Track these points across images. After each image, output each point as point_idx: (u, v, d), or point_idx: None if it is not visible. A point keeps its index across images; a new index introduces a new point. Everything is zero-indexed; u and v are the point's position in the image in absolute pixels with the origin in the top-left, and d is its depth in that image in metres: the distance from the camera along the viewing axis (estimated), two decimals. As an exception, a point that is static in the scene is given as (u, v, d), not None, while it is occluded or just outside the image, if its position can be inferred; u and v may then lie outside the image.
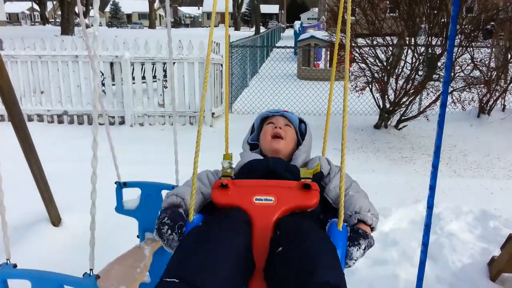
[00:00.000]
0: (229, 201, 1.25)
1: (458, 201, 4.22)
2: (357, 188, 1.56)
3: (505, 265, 2.74)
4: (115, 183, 2.56)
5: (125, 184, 2.56)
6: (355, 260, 1.27)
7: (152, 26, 46.92)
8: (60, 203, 3.57)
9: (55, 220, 3.51)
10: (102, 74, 7.48)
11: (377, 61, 6.84)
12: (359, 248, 1.25)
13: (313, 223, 1.26)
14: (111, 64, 7.24)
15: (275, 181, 1.33)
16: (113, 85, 7.40)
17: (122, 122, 7.34)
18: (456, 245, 3.38)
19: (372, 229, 1.35)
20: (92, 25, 1.60)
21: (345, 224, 1.29)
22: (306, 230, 1.15)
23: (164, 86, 7.65)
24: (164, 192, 2.54)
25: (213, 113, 7.36)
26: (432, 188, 1.59)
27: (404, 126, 7.21)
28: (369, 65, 6.84)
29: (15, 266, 1.67)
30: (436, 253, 3.29)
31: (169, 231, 1.27)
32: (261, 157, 1.55)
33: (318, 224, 1.30)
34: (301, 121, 1.79)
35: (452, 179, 5.02)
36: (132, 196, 2.66)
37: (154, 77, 7.52)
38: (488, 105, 7.74)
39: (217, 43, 7.75)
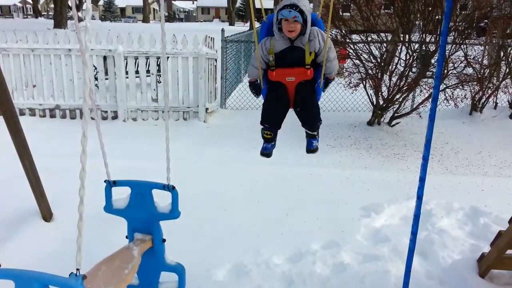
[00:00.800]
0: (276, 79, 2.61)
1: (449, 197, 4.26)
2: (331, 57, 2.59)
3: (494, 262, 2.77)
4: (105, 181, 2.53)
5: (115, 183, 2.53)
6: (324, 91, 2.74)
7: (146, 20, 46.60)
8: (51, 198, 3.55)
9: (47, 215, 3.50)
10: (95, 68, 7.43)
11: (371, 57, 6.85)
12: (328, 87, 2.74)
13: (311, 86, 2.61)
14: (104, 58, 7.18)
15: (294, 69, 2.58)
16: (106, 79, 7.35)
17: (115, 117, 7.30)
18: (446, 241, 3.41)
19: (334, 78, 2.73)
20: (85, 18, 1.57)
21: (324, 80, 2.62)
22: (308, 95, 2.59)
23: (158, 81, 7.61)
24: (154, 191, 2.53)
25: (207, 109, 7.34)
26: (422, 179, 1.61)
27: (397, 123, 7.24)
28: (363, 61, 6.85)
29: None
30: (426, 249, 3.32)
31: (256, 95, 2.77)
32: (286, 42, 2.57)
33: (313, 84, 2.62)
34: (303, 12, 2.55)
35: (443, 176, 5.06)
36: (122, 194, 2.65)
37: (148, 71, 7.47)
38: (480, 103, 7.79)
39: (211, 37, 7.71)
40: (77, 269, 1.53)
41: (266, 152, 2.74)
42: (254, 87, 2.76)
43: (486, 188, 4.65)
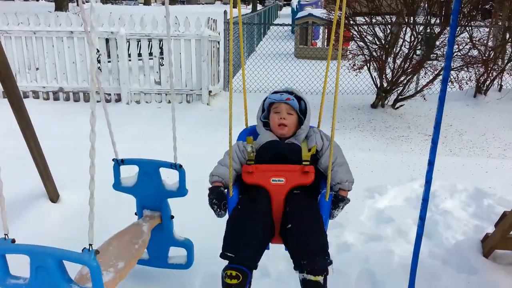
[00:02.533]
0: (255, 182, 1.83)
1: (453, 179, 4.27)
2: (340, 160, 1.98)
3: (498, 242, 2.79)
4: (113, 160, 2.55)
5: (123, 161, 2.55)
6: (336, 216, 1.89)
7: (147, 2, 46.12)
8: (57, 179, 3.57)
9: (53, 196, 3.52)
10: (98, 51, 7.39)
11: (375, 39, 6.78)
12: (339, 209, 1.86)
13: (308, 197, 1.84)
14: (107, 40, 7.15)
15: (285, 166, 1.86)
16: (109, 62, 7.32)
17: (118, 100, 7.30)
18: (450, 222, 3.43)
19: (349, 191, 1.93)
20: (87, 1, 1.56)
21: (331, 193, 1.83)
22: (304, 208, 1.76)
23: (161, 64, 7.58)
24: (161, 170, 2.55)
25: (210, 91, 7.32)
26: (431, 163, 1.60)
27: (401, 106, 7.22)
28: (368, 43, 6.79)
29: (13, 241, 1.66)
30: (430, 229, 3.34)
31: (218, 209, 1.87)
32: (274, 138, 2.02)
33: (313, 192, 1.89)
34: (300, 99, 2.12)
35: (447, 158, 5.06)
36: (129, 173, 2.67)
37: (150, 54, 7.43)
38: (485, 85, 7.74)
39: (214, 19, 7.64)
40: (90, 245, 1.57)
41: None
42: (217, 196, 1.87)
43: (490, 169, 4.65)
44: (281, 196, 1.79)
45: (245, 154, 1.97)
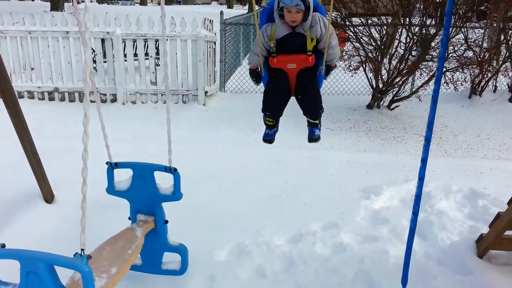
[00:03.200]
0: (277, 66, 2.57)
1: (448, 180, 4.29)
2: (333, 43, 2.54)
3: (492, 242, 2.80)
4: (106, 163, 2.54)
5: (117, 165, 2.54)
6: (326, 78, 2.71)
7: (143, 3, 46.00)
8: (52, 180, 3.56)
9: (48, 196, 3.51)
10: (93, 51, 7.37)
11: (371, 40, 6.80)
12: (329, 75, 2.69)
13: (312, 73, 2.58)
14: (102, 40, 7.13)
15: (295, 56, 2.54)
16: (105, 62, 7.30)
17: (114, 100, 7.28)
18: (445, 223, 3.44)
19: (335, 65, 2.68)
20: (83, 1, 1.55)
21: (325, 67, 2.58)
22: (309, 83, 2.55)
23: (157, 64, 7.56)
24: (156, 173, 2.53)
25: (206, 92, 7.31)
26: (424, 160, 1.62)
27: (397, 106, 7.24)
28: (363, 44, 6.81)
29: (3, 246, 1.64)
30: (425, 230, 3.36)
31: (256, 82, 2.73)
32: (288, 30, 2.53)
33: (315, 71, 2.59)
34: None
35: (442, 159, 5.08)
36: (124, 176, 2.66)
37: (146, 54, 7.42)
38: (480, 86, 7.78)
39: (210, 20, 7.64)
40: (82, 250, 1.55)
41: (268, 138, 2.76)
42: (255, 75, 2.72)
43: (485, 170, 4.68)
44: (294, 74, 2.58)
45: (268, 45, 2.58)
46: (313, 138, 2.73)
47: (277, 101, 2.62)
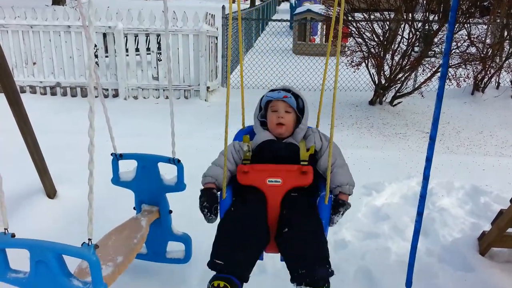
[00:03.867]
0: (250, 182, 1.72)
1: (450, 177, 4.28)
2: (340, 162, 1.91)
3: (494, 240, 2.80)
4: (111, 154, 2.56)
5: (121, 156, 2.56)
6: (336, 222, 1.78)
7: (145, -3, 45.82)
8: (55, 175, 3.56)
9: (50, 192, 3.51)
10: (95, 46, 7.35)
11: (374, 36, 6.77)
12: (339, 214, 1.76)
13: (307, 200, 1.75)
14: (104, 35, 7.11)
15: (282, 166, 1.75)
16: (106, 57, 7.29)
17: (115, 95, 7.27)
18: (447, 220, 3.44)
19: (349, 195, 1.85)
20: (86, -6, 1.55)
21: (330, 195, 1.75)
22: (302, 212, 1.65)
23: (158, 59, 7.55)
24: (160, 164, 2.55)
25: (208, 87, 7.30)
26: (429, 159, 1.61)
27: (399, 103, 7.22)
28: (366, 40, 6.78)
29: (13, 235, 1.67)
30: (427, 227, 3.35)
31: (209, 213, 1.74)
32: (271, 137, 1.93)
33: (311, 195, 1.81)
34: (298, 96, 2.07)
35: (445, 155, 5.07)
36: (127, 168, 2.67)
37: (148, 49, 7.40)
38: (483, 83, 7.75)
39: (212, 14, 7.61)
40: (89, 239, 1.57)
41: None
42: (209, 198, 1.76)
43: (487, 167, 4.67)
44: (278, 198, 1.67)
45: (241, 154, 1.89)
46: None
47: (242, 238, 1.56)
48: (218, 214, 1.75)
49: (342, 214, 1.75)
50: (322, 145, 1.87)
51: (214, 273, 1.59)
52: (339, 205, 1.73)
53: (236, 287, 1.49)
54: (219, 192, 1.79)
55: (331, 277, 1.54)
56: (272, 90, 2.07)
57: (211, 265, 1.58)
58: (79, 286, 1.63)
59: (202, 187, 1.84)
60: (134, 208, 2.70)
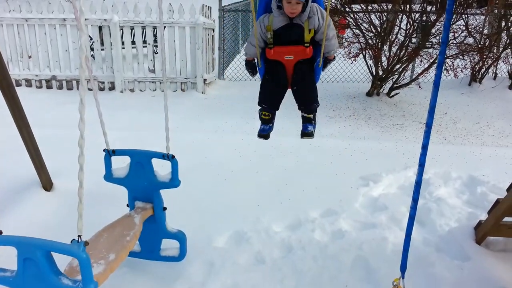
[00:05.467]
0: (275, 58, 2.51)
1: (447, 167, 4.28)
2: (331, 35, 2.47)
3: (491, 229, 2.81)
4: (104, 150, 2.53)
5: (114, 152, 2.52)
6: (325, 69, 2.64)
7: (141, -11, 45.53)
8: (51, 168, 3.55)
9: (47, 184, 3.50)
10: (91, 39, 7.31)
11: (371, 27, 6.75)
12: (327, 65, 2.63)
13: (309, 65, 2.52)
14: (100, 28, 7.07)
15: (293, 47, 2.47)
16: (102, 50, 7.25)
17: (112, 88, 7.24)
18: (443, 209, 3.45)
19: (334, 57, 2.62)
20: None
21: (323, 59, 2.52)
22: (306, 74, 2.50)
23: (155, 52, 7.51)
24: (154, 160, 2.53)
25: (205, 80, 7.27)
26: (425, 147, 1.61)
27: (396, 94, 7.21)
28: (363, 31, 6.75)
29: (0, 232, 1.64)
30: (424, 217, 3.36)
31: (252, 74, 2.67)
32: (285, 21, 2.47)
33: (312, 63, 2.54)
34: None
35: (442, 146, 5.07)
36: (122, 163, 2.65)
37: (144, 42, 7.36)
38: (480, 73, 7.74)
39: (208, 7, 7.56)
40: (79, 236, 1.54)
41: (264, 134, 2.65)
42: (251, 66, 2.65)
43: (484, 157, 4.68)
44: (291, 66, 2.52)
45: (265, 36, 2.52)
46: (306, 132, 2.61)
47: (274, 93, 2.56)
48: (258, 74, 2.66)
49: (329, 64, 2.65)
50: (319, 24, 2.47)
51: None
52: (327, 62, 2.60)
53: (273, 114, 2.64)
54: (256, 61, 2.60)
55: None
56: None
57: (260, 104, 2.60)
58: (68, 285, 1.60)
59: (246, 59, 2.65)
60: (127, 205, 2.67)
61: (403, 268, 2.11)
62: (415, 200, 1.81)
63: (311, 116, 2.61)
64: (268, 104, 2.59)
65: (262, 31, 2.53)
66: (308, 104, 2.57)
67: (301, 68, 2.51)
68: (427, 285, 2.59)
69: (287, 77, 2.55)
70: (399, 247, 2.85)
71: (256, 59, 2.60)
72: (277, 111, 2.66)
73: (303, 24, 2.48)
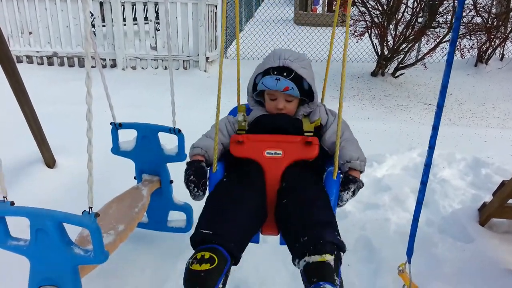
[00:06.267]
0: (245, 154, 1.49)
1: (451, 148, 4.26)
2: (349, 136, 1.73)
3: (495, 211, 2.79)
4: (110, 124, 2.52)
5: (121, 125, 2.52)
6: (346, 201, 1.52)
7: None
8: (54, 145, 3.53)
9: (49, 161, 3.49)
10: (92, 15, 7.19)
11: (377, 5, 6.62)
12: (349, 191, 1.50)
13: (311, 174, 1.52)
14: (101, 3, 6.94)
15: (283, 136, 1.53)
16: (103, 26, 7.14)
17: (113, 65, 7.17)
18: (447, 191, 3.43)
19: (361, 172, 1.59)
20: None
21: (339, 171, 1.51)
22: (305, 183, 1.42)
23: (156, 29, 7.40)
24: (160, 134, 2.52)
25: (207, 58, 7.18)
26: (435, 128, 1.55)
27: (401, 74, 7.13)
28: (369, 9, 6.63)
29: (12, 203, 1.65)
30: (427, 198, 3.35)
31: (196, 189, 1.52)
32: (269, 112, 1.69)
33: (317, 173, 1.55)
34: (302, 78, 1.72)
35: (447, 127, 5.03)
36: (127, 138, 2.63)
37: (146, 18, 7.24)
38: (487, 54, 7.62)
39: (211, -18, 7.41)
40: (90, 207, 1.55)
41: None
42: (196, 172, 1.55)
43: (489, 139, 4.64)
44: (278, 173, 1.44)
45: (235, 127, 1.68)
46: None
47: (235, 213, 1.32)
48: (207, 190, 1.53)
49: (353, 192, 1.51)
50: (328, 119, 1.70)
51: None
52: (349, 181, 1.49)
53: (225, 262, 1.18)
54: (208, 168, 1.58)
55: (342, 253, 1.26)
56: (267, 71, 1.67)
57: (195, 237, 1.27)
58: (80, 254, 1.63)
59: (189, 159, 1.63)
60: (134, 178, 2.69)
61: (409, 252, 2.09)
62: (424, 183, 1.77)
63: (328, 259, 1.18)
64: (216, 229, 1.27)
65: (229, 121, 1.74)
66: (316, 229, 1.25)
67: (297, 174, 1.47)
68: (430, 266, 2.60)
69: (265, 191, 1.45)
70: (402, 228, 2.87)
71: (205, 161, 1.60)
72: (240, 255, 1.30)
73: (300, 117, 1.73)
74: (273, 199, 1.42)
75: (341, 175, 1.53)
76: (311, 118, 1.69)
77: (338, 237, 1.25)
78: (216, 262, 1.14)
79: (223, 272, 1.16)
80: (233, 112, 1.97)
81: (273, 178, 1.44)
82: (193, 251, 1.24)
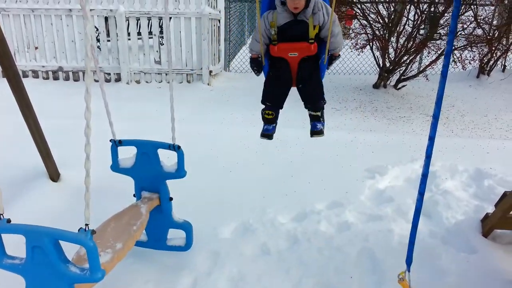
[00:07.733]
0: (279, 55, 2.50)
1: (454, 160, 4.25)
2: (335, 32, 2.45)
3: (498, 222, 2.79)
4: (110, 141, 2.53)
5: (120, 142, 2.53)
6: (330, 67, 2.58)
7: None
8: (58, 159, 3.57)
9: (54, 175, 3.52)
10: (97, 30, 7.30)
11: (379, 18, 6.68)
12: (333, 64, 2.58)
13: (313, 61, 2.50)
14: (106, 19, 7.05)
15: (297, 44, 2.46)
16: (108, 41, 7.24)
17: (118, 79, 7.24)
18: (450, 202, 3.43)
19: (339, 54, 2.60)
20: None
21: (328, 56, 2.49)
22: (311, 72, 2.48)
23: (160, 43, 7.49)
24: (160, 151, 2.53)
25: (210, 71, 7.25)
26: (432, 138, 1.59)
27: (403, 86, 7.16)
28: (371, 22, 6.69)
29: (8, 221, 1.64)
30: (430, 209, 3.35)
31: (257, 72, 2.61)
32: (289, 18, 2.45)
33: (316, 58, 2.52)
34: None
35: (449, 139, 5.04)
36: (128, 154, 2.65)
37: (150, 33, 7.35)
38: (489, 66, 7.65)
39: (214, -3, 7.52)
40: (86, 225, 1.55)
41: (267, 134, 2.60)
42: (256, 64, 2.61)
43: (492, 150, 4.64)
44: (296, 63, 2.50)
45: (269, 33, 2.50)
46: (315, 131, 2.56)
47: (278, 91, 2.53)
48: (262, 71, 2.62)
49: (334, 63, 2.60)
50: (324, 20, 2.44)
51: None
52: (332, 59, 2.55)
53: (277, 112, 2.58)
54: (260, 58, 2.58)
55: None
56: None
57: (263, 103, 2.56)
58: (76, 273, 1.62)
59: (250, 56, 2.62)
60: (134, 195, 2.69)
61: (408, 261, 2.11)
62: (421, 193, 1.79)
63: (319, 113, 2.56)
64: (272, 103, 2.55)
65: (266, 27, 2.50)
66: (314, 102, 2.52)
67: (306, 66, 2.49)
68: (433, 277, 2.59)
69: (291, 74, 2.53)
70: (405, 239, 2.85)
71: (260, 56, 2.56)
72: (280, 110, 2.60)
73: (307, 21, 2.46)
74: (295, 75, 2.52)
75: (328, 57, 2.49)
76: (314, 21, 2.43)
77: (323, 101, 2.52)
78: (274, 115, 2.56)
79: (277, 116, 2.59)
80: (264, 4, 2.58)
81: (294, 66, 2.50)
82: None
